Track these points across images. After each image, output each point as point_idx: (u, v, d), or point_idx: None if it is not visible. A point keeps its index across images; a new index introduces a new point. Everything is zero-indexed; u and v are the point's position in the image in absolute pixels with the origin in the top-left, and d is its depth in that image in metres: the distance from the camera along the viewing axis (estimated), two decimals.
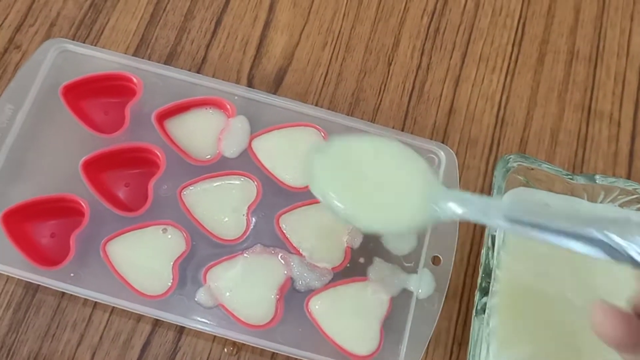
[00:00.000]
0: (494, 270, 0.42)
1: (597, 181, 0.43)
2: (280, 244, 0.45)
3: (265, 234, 0.45)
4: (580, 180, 0.44)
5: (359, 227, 0.38)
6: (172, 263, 0.43)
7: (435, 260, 0.45)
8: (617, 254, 0.26)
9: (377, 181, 0.36)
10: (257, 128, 0.47)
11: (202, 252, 0.44)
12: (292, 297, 0.44)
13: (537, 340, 0.42)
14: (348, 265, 0.45)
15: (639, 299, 0.27)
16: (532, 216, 0.30)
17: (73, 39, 0.51)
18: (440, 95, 0.52)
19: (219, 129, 0.47)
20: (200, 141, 0.47)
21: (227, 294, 0.43)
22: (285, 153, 0.47)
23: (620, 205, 0.45)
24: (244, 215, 0.45)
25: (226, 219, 0.45)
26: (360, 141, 0.39)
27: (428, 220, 0.35)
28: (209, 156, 0.46)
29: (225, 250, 0.44)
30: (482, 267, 0.42)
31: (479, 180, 0.50)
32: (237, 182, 0.46)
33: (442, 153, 0.48)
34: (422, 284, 0.44)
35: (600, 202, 0.45)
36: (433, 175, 0.37)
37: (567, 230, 0.28)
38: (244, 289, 0.43)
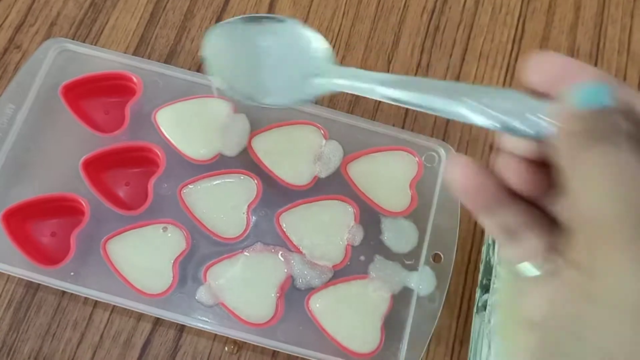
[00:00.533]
0: (495, 267, 0.42)
1: None
2: (281, 242, 0.45)
3: (266, 232, 0.45)
4: None
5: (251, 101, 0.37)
6: (172, 262, 0.43)
7: (436, 258, 0.45)
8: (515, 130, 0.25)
9: (265, 60, 0.36)
10: (257, 126, 0.47)
11: (203, 251, 0.44)
12: (293, 295, 0.44)
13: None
14: (348, 263, 0.45)
15: (501, 160, 0.25)
16: (412, 88, 0.28)
17: (73, 39, 0.51)
18: None
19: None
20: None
21: (228, 292, 0.43)
22: (286, 151, 0.47)
23: None
24: (244, 213, 0.45)
25: (226, 217, 0.45)
26: (259, 24, 0.38)
27: (312, 94, 0.34)
28: (207, 149, 0.46)
29: (226, 248, 0.44)
30: (482, 264, 0.42)
31: None
32: (237, 180, 0.46)
33: (442, 151, 0.48)
34: (422, 282, 0.44)
35: None
36: (313, 46, 0.36)
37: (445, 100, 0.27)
38: (244, 287, 0.43)
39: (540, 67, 0.24)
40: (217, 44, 0.38)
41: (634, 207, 0.20)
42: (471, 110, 0.26)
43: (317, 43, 0.37)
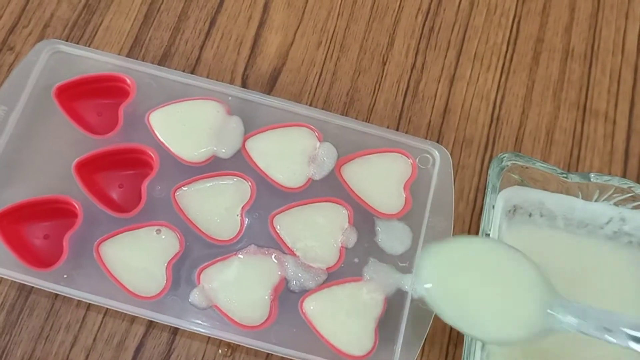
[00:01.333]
0: None
1: (591, 179, 0.43)
2: (275, 244, 0.45)
3: (260, 234, 0.45)
4: (575, 178, 0.44)
5: (471, 335, 0.36)
6: (165, 264, 0.43)
7: None
8: None
9: (489, 287, 0.35)
10: (251, 128, 0.47)
11: (196, 253, 0.44)
12: (287, 298, 0.44)
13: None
14: (342, 265, 0.45)
15: None
16: None
17: (67, 40, 0.50)
18: (435, 95, 0.52)
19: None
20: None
21: (221, 294, 0.43)
22: (280, 153, 0.47)
23: (615, 204, 0.44)
24: (237, 215, 0.45)
25: (220, 219, 0.45)
26: (469, 242, 0.38)
27: (543, 331, 0.34)
28: (201, 151, 0.46)
29: (220, 250, 0.44)
30: None
31: (474, 179, 0.50)
32: (231, 182, 0.46)
33: (436, 153, 0.48)
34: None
35: (595, 201, 0.45)
36: (548, 282, 0.35)
37: None
38: (238, 290, 0.43)
39: None
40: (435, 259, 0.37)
41: None
42: None
43: (536, 269, 0.35)
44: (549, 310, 0.34)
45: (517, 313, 0.35)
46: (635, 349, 0.30)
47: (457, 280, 0.36)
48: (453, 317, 0.36)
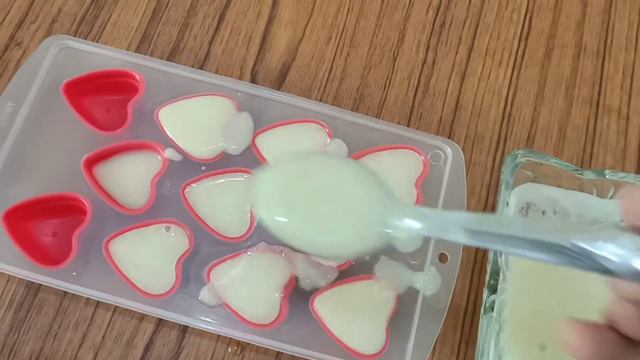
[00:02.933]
0: (503, 268, 0.42)
1: (606, 176, 0.43)
2: None
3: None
4: (589, 175, 0.43)
5: (307, 251, 0.36)
6: (175, 262, 0.43)
7: (442, 258, 0.45)
8: (583, 262, 0.25)
9: (325, 202, 0.35)
10: (261, 124, 0.47)
11: (206, 251, 0.44)
12: (297, 296, 0.43)
13: (547, 337, 0.41)
14: (353, 263, 0.44)
15: (611, 309, 0.26)
16: (493, 227, 0.29)
17: (74, 36, 0.50)
18: (446, 91, 0.51)
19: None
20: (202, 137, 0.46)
21: (231, 292, 0.43)
22: (290, 149, 0.46)
23: None
24: (247, 212, 0.45)
25: (230, 216, 0.45)
26: (307, 158, 0.37)
27: (382, 240, 0.34)
28: (210, 147, 0.46)
29: (229, 248, 0.44)
30: (490, 264, 0.42)
31: (485, 176, 0.49)
32: (241, 179, 0.46)
33: (448, 149, 0.47)
34: (428, 282, 0.44)
35: (610, 198, 0.44)
36: (385, 191, 0.35)
37: (529, 238, 0.26)
38: (248, 288, 0.43)
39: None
40: (268, 179, 0.36)
41: None
42: (565, 256, 0.25)
43: (377, 180, 0.35)
44: (386, 217, 0.33)
45: (354, 222, 0.34)
46: (471, 243, 0.29)
47: (294, 201, 0.35)
48: (293, 236, 0.35)
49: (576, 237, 0.25)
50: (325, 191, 0.35)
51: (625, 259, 0.23)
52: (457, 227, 0.30)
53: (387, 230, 0.33)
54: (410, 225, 0.32)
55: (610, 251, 0.24)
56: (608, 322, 0.26)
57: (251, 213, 0.45)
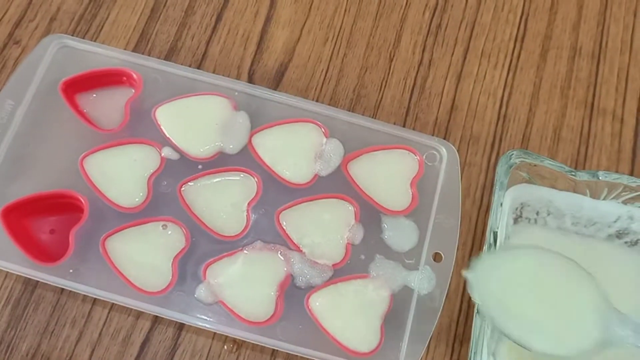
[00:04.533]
0: None
1: (600, 177, 0.43)
2: (281, 240, 0.45)
3: (266, 230, 0.45)
4: (583, 176, 0.43)
5: (529, 349, 0.36)
6: (171, 259, 0.43)
7: (437, 257, 0.45)
8: None
9: (545, 301, 0.35)
10: (258, 124, 0.47)
11: (202, 249, 0.44)
12: (293, 294, 0.44)
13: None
14: (349, 261, 0.44)
15: None
16: None
17: (73, 34, 0.50)
18: (442, 92, 0.52)
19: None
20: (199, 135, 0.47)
21: (227, 290, 0.43)
22: (286, 149, 0.47)
23: (624, 202, 0.44)
24: (244, 211, 0.45)
25: (226, 215, 0.45)
26: (523, 255, 0.37)
27: (601, 345, 0.34)
28: (207, 147, 0.46)
29: (225, 246, 0.44)
30: None
31: (480, 177, 0.49)
32: (237, 178, 0.46)
33: (443, 149, 0.48)
34: (423, 281, 0.44)
35: (603, 199, 0.45)
36: (604, 294, 0.35)
37: None
38: (244, 286, 0.43)
39: None
40: (491, 270, 0.36)
41: None
42: None
43: (593, 283, 0.35)
44: (609, 325, 0.33)
45: (578, 327, 0.34)
46: None
47: (515, 296, 0.36)
48: (514, 333, 0.35)
49: None
50: (548, 292, 0.35)
51: None
52: None
53: (610, 335, 0.33)
54: (628, 336, 0.32)
55: None
56: None
57: (247, 212, 0.45)
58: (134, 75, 0.47)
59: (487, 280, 0.36)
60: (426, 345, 0.43)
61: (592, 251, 0.46)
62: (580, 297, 0.35)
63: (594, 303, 0.35)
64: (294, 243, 0.44)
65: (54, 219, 0.45)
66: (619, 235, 0.46)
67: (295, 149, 0.47)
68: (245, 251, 0.44)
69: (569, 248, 0.46)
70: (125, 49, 0.50)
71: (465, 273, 0.37)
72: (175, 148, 0.46)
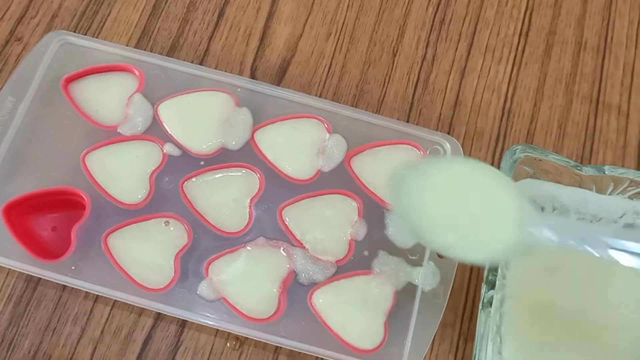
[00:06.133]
0: (501, 264, 0.41)
1: (606, 172, 0.43)
2: (283, 236, 0.44)
3: (268, 226, 0.45)
4: (588, 171, 0.43)
5: (446, 254, 0.36)
6: (174, 256, 0.43)
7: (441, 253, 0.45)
8: None
9: (469, 206, 0.35)
10: (260, 120, 0.47)
11: (204, 245, 0.44)
12: (295, 291, 0.43)
13: (548, 331, 0.41)
14: (352, 258, 0.44)
15: None
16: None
17: (75, 31, 0.50)
18: (446, 87, 0.51)
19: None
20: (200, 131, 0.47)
21: (230, 287, 0.43)
22: (289, 145, 0.46)
23: (630, 197, 0.44)
24: (246, 207, 0.45)
25: (228, 211, 0.45)
26: (451, 163, 0.38)
27: (521, 246, 0.34)
28: (209, 143, 0.46)
29: (228, 243, 0.44)
30: None
31: None
32: (240, 174, 0.46)
33: (447, 144, 0.47)
34: (427, 277, 0.44)
35: (609, 194, 0.44)
36: (524, 199, 0.35)
37: None
38: (246, 282, 0.43)
39: None
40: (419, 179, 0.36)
41: None
42: None
43: (513, 187, 0.35)
44: (526, 226, 0.33)
45: (495, 229, 0.35)
46: (614, 257, 0.29)
47: (433, 203, 0.35)
48: (429, 238, 0.36)
49: None
50: (467, 194, 0.36)
51: None
52: (599, 239, 0.30)
53: (528, 235, 0.33)
54: (549, 236, 0.33)
55: None
56: None
57: (250, 208, 0.45)
58: (136, 72, 0.47)
59: (407, 188, 0.36)
60: (430, 341, 0.43)
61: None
62: (499, 201, 0.35)
63: (512, 207, 0.35)
64: (297, 239, 0.44)
65: (56, 216, 0.45)
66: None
67: (298, 144, 0.46)
68: (247, 248, 0.44)
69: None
70: (127, 46, 0.50)
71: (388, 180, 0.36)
72: (177, 144, 0.46)
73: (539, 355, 0.41)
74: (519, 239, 0.34)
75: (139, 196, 0.44)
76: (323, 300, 0.43)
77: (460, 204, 0.35)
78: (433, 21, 0.54)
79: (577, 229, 0.32)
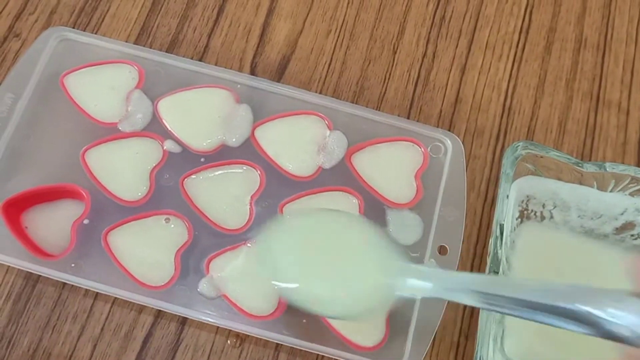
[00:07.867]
0: (503, 261, 0.41)
1: (607, 169, 0.43)
2: None
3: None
4: (590, 168, 0.43)
5: (321, 314, 0.35)
6: (174, 253, 0.43)
7: (442, 250, 0.45)
8: (593, 328, 0.25)
9: (328, 263, 0.34)
10: (261, 116, 0.47)
11: (205, 242, 0.44)
12: None
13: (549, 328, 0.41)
14: None
15: None
16: (502, 290, 0.28)
17: (73, 27, 0.50)
18: (446, 84, 0.51)
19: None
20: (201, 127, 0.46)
21: (230, 284, 0.42)
22: (289, 142, 0.46)
23: (631, 194, 0.44)
24: (247, 204, 0.45)
25: (229, 208, 0.44)
26: (303, 219, 0.37)
27: (387, 301, 0.33)
28: (209, 139, 0.46)
29: (228, 240, 0.44)
30: (490, 257, 0.42)
31: (485, 170, 0.49)
32: (240, 171, 0.45)
33: (448, 141, 0.47)
34: None
35: (610, 191, 0.44)
36: (388, 246, 0.34)
37: (541, 303, 0.27)
38: (247, 280, 0.43)
39: None
40: (275, 241, 0.36)
41: None
42: (577, 322, 0.25)
43: (385, 239, 0.34)
44: (386, 278, 0.32)
45: (356, 284, 0.34)
46: (479, 306, 0.29)
47: (296, 264, 0.35)
48: (298, 299, 0.35)
49: (586, 302, 0.25)
50: (331, 250, 0.35)
51: (638, 327, 0.23)
52: (466, 289, 0.29)
53: (394, 290, 0.33)
54: (417, 286, 0.32)
55: (622, 320, 0.23)
56: None
57: (250, 205, 0.44)
58: (135, 68, 0.47)
59: (271, 250, 0.36)
60: (431, 339, 0.42)
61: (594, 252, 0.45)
62: (358, 253, 0.34)
63: (372, 258, 0.34)
64: None
65: None
66: (625, 228, 0.45)
67: (299, 141, 0.46)
68: (248, 245, 0.44)
69: (576, 248, 0.45)
70: (126, 42, 0.49)
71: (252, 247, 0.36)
72: (177, 141, 0.45)
73: (542, 352, 0.41)
74: (386, 291, 0.33)
75: (139, 193, 0.44)
76: None
77: (318, 262, 0.34)
78: (433, 18, 0.53)
79: (445, 278, 0.31)
